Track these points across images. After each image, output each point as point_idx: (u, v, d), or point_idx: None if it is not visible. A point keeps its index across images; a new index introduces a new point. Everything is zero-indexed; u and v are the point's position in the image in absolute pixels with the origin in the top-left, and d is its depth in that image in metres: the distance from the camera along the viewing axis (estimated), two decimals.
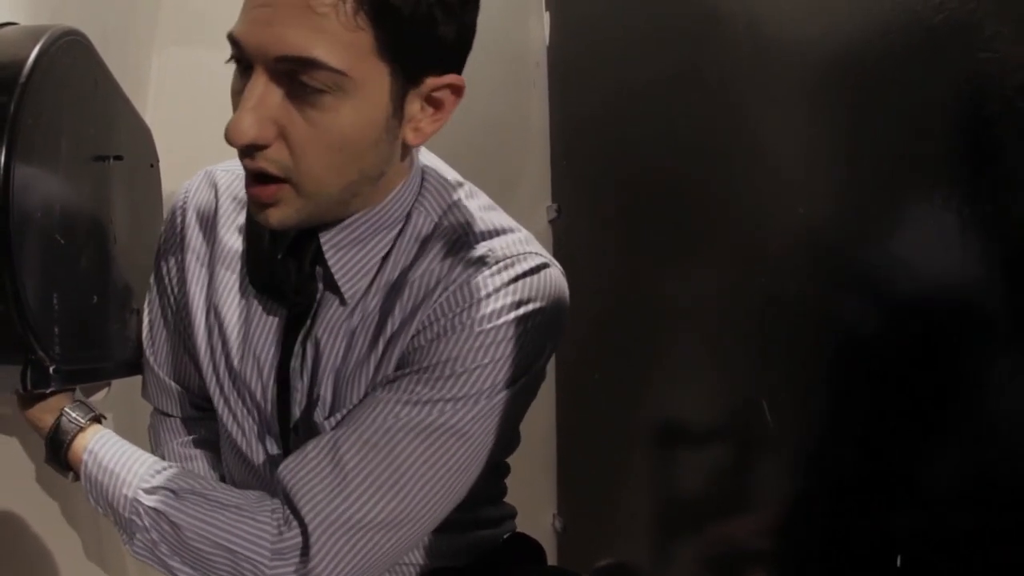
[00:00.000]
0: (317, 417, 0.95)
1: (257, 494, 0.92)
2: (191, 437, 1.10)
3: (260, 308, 0.98)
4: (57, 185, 0.92)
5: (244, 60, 0.82)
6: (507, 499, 1.17)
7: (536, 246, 0.96)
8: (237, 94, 0.84)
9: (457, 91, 0.87)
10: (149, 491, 0.91)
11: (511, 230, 0.96)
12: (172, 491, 0.90)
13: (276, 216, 0.86)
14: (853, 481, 0.98)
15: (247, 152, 0.83)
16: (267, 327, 0.98)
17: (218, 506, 0.89)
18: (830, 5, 1.01)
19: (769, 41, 1.14)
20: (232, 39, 0.81)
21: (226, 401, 1.00)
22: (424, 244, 0.94)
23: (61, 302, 0.91)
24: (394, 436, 0.87)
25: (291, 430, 0.98)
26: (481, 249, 0.92)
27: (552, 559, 1.30)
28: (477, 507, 1.02)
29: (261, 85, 0.80)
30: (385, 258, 0.94)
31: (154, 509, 0.89)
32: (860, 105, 0.97)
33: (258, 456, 1.00)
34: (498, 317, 0.89)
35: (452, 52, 0.85)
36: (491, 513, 1.11)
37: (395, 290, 0.93)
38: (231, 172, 1.04)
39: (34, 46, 0.86)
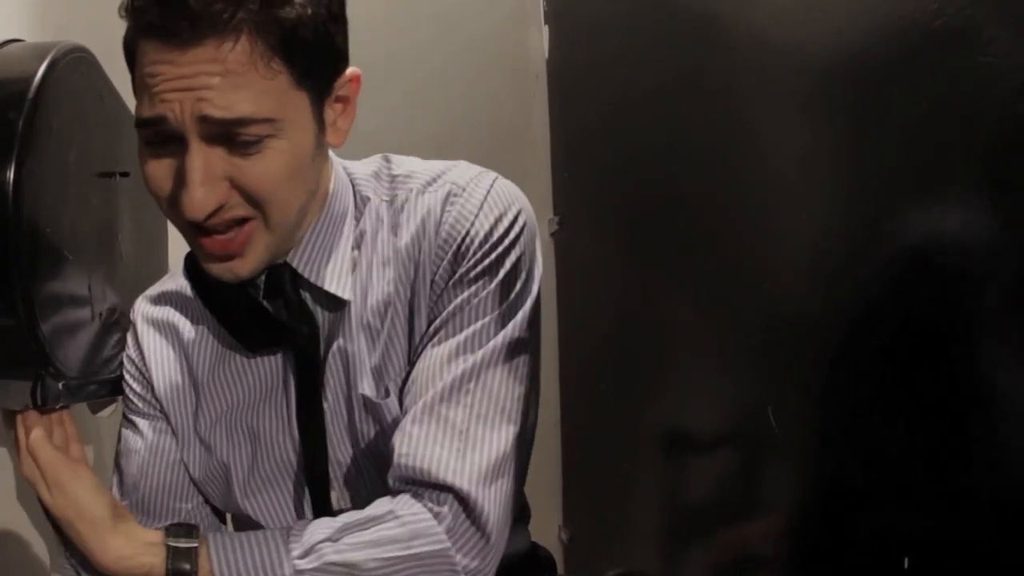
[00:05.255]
0: (360, 416, 0.96)
1: (377, 503, 0.91)
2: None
3: (258, 374, 0.99)
4: (65, 201, 0.93)
5: (163, 135, 0.82)
6: None
7: (479, 167, 0.99)
8: (155, 169, 0.85)
9: (357, 80, 0.91)
10: (302, 556, 0.86)
11: (454, 164, 0.99)
12: (322, 541, 0.87)
13: (244, 266, 0.88)
14: (859, 486, 0.98)
15: (209, 217, 0.83)
16: (272, 388, 0.98)
17: (371, 523, 0.88)
18: (830, 14, 1.02)
19: (769, 49, 1.15)
20: (148, 120, 0.82)
21: (254, 493, 1.01)
22: (395, 220, 0.96)
23: (71, 318, 0.91)
24: (477, 373, 0.91)
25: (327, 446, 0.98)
26: (444, 187, 0.95)
27: (559, 570, 1.29)
28: None
29: (200, 154, 0.81)
30: (359, 252, 0.96)
31: (318, 569, 0.86)
32: (861, 112, 0.97)
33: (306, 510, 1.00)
34: (493, 231, 0.93)
35: (344, 52, 0.89)
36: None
37: (387, 267, 0.95)
38: (153, 297, 1.05)
39: (42, 63, 0.87)
